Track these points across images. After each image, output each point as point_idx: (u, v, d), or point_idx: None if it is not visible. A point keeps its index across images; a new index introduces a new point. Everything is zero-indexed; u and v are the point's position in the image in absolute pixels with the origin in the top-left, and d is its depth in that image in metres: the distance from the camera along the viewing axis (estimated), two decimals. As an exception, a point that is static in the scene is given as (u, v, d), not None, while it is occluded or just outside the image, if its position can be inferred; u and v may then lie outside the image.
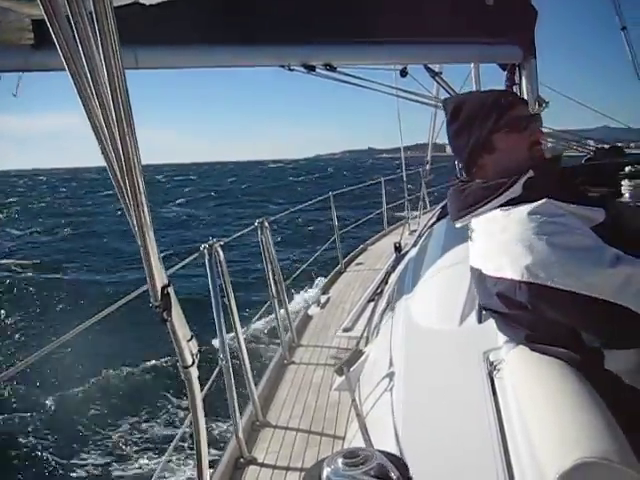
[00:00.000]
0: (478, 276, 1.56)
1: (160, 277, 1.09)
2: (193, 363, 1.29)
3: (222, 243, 3.15)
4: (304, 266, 6.90)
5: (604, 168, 2.85)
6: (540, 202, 1.38)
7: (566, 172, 1.74)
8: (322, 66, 3.47)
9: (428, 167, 8.55)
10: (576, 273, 1.28)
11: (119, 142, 0.85)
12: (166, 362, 8.79)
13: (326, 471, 0.72)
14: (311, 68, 3.43)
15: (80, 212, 39.98)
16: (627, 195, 2.16)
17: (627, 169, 2.23)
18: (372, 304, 4.43)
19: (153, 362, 8.89)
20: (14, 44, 2.61)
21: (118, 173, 0.88)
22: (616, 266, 1.27)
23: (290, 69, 3.41)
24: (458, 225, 1.67)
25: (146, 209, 0.95)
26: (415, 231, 7.49)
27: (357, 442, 1.85)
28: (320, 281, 7.99)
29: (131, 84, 0.86)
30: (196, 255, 3.17)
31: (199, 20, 3.10)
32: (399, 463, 0.74)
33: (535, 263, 1.31)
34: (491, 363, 1.62)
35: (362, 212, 11.14)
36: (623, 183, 2.21)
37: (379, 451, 0.75)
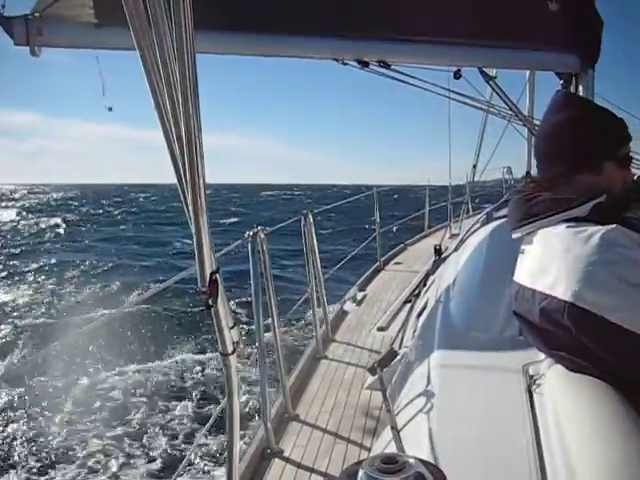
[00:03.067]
0: (524, 289, 1.53)
1: (210, 263, 1.08)
2: (233, 351, 1.28)
3: (267, 231, 3.15)
4: (344, 261, 6.88)
5: None
6: (610, 227, 1.34)
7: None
8: (376, 62, 3.45)
9: (475, 172, 8.43)
10: (634, 310, 1.25)
11: (182, 124, 0.84)
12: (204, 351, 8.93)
13: (363, 473, 0.71)
14: (365, 64, 3.41)
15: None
16: None
17: None
18: (409, 305, 4.38)
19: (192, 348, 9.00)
20: (75, 21, 2.60)
21: (178, 154, 0.88)
22: None
23: (344, 63, 3.39)
24: (516, 235, 1.63)
25: (203, 194, 0.94)
26: (456, 235, 7.40)
27: (389, 446, 1.80)
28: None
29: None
30: (239, 242, 3.17)
31: (259, 7, 3.09)
32: (438, 474, 0.73)
33: (592, 290, 1.28)
34: (530, 377, 1.58)
35: (405, 214, 11.07)
36: None
37: (418, 459, 0.73)
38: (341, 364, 4.23)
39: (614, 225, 1.35)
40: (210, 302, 1.15)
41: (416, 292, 4.50)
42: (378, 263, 7.51)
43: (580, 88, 4.27)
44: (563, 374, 1.43)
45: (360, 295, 5.81)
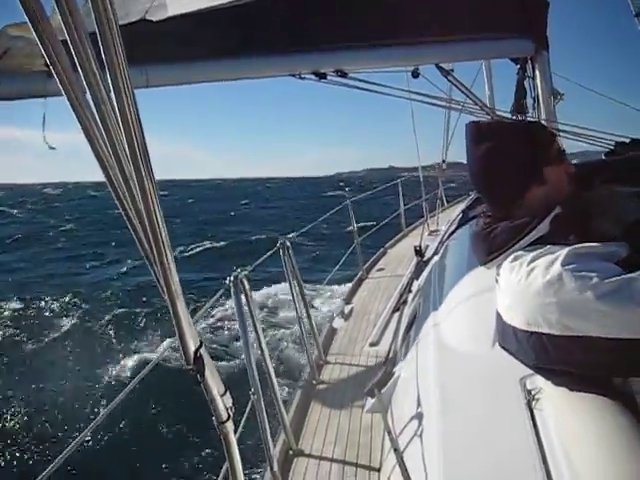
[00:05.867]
0: (508, 327, 1.53)
1: (193, 339, 1.03)
2: (229, 418, 1.22)
3: (247, 272, 3.06)
4: (328, 277, 6.83)
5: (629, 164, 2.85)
6: (564, 253, 1.35)
7: (586, 170, 1.77)
8: (333, 73, 3.39)
9: (444, 166, 8.45)
10: (613, 318, 1.26)
11: (137, 191, 0.73)
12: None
13: None
14: (322, 75, 3.36)
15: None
16: None
17: None
18: (397, 314, 4.33)
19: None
20: (28, 71, 2.61)
21: (140, 229, 0.78)
22: None
23: (301, 77, 3.34)
24: (488, 269, 1.63)
25: (173, 267, 0.85)
26: (435, 231, 7.39)
27: (395, 475, 1.83)
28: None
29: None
30: (222, 291, 3.11)
31: (207, 34, 3.05)
32: None
33: (569, 317, 1.30)
34: (529, 392, 1.52)
35: (380, 216, 11.04)
36: None
37: None
38: (338, 387, 4.12)
39: (566, 250, 1.36)
40: (199, 378, 1.11)
41: (402, 299, 4.46)
42: (361, 272, 7.44)
43: (537, 71, 4.28)
44: (561, 388, 1.41)
45: (348, 309, 5.73)
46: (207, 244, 25.59)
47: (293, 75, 3.31)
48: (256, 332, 3.12)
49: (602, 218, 1.58)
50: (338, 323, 5.34)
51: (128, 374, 8.90)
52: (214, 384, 1.15)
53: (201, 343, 1.06)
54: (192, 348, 1.03)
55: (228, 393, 1.19)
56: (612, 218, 1.59)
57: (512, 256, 1.50)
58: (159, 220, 0.77)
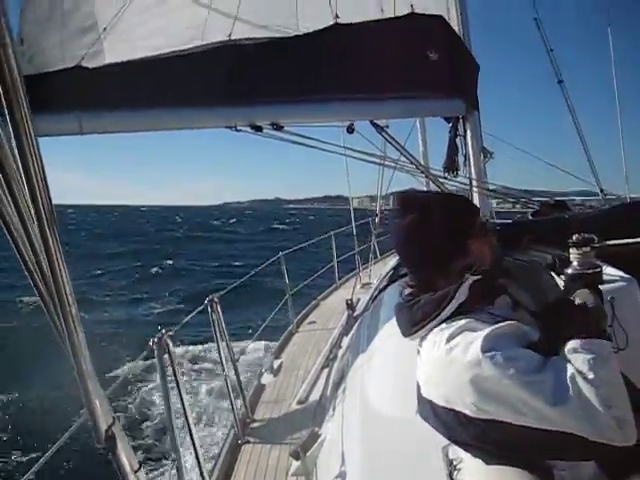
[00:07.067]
0: (426, 400, 1.54)
1: (105, 417, 0.94)
2: None
3: (172, 334, 2.92)
4: (258, 332, 6.68)
5: (551, 226, 3.11)
6: (482, 336, 1.36)
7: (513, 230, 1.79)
8: (269, 126, 3.38)
9: (378, 220, 8.57)
10: (527, 408, 1.29)
11: (45, 263, 0.64)
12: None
13: None
14: (258, 128, 3.34)
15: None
16: (575, 263, 2.25)
17: (574, 237, 2.28)
18: (327, 370, 4.27)
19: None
20: None
21: (52, 308, 0.69)
22: (557, 400, 1.26)
23: (237, 130, 3.30)
24: (412, 340, 1.63)
25: (83, 343, 0.76)
26: (367, 284, 7.40)
27: None
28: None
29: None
30: (145, 354, 2.97)
31: (144, 83, 3.01)
32: None
33: (486, 401, 1.33)
34: (450, 462, 1.54)
35: (313, 267, 10.93)
36: (571, 251, 2.26)
37: None
38: (264, 448, 3.98)
39: (482, 335, 1.37)
40: (110, 456, 1.02)
41: (331, 356, 4.41)
42: (292, 326, 7.35)
43: (468, 130, 4.41)
44: (481, 462, 1.41)
45: (277, 363, 5.61)
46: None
47: (229, 127, 3.29)
48: (180, 394, 2.98)
49: (521, 289, 1.63)
50: (267, 379, 5.23)
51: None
52: (127, 461, 1.07)
53: (114, 420, 0.99)
54: (103, 427, 0.95)
55: (142, 470, 1.10)
56: (530, 290, 1.64)
57: (433, 330, 1.51)
58: (70, 299, 0.69)
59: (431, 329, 1.52)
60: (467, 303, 1.50)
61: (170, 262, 33.17)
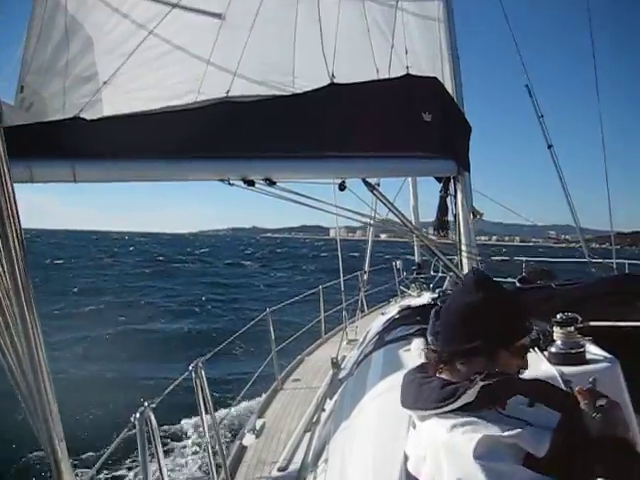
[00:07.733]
0: (413, 477, 1.57)
1: None
2: None
3: (154, 406, 2.78)
4: (241, 393, 6.53)
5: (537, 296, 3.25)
6: (474, 441, 1.39)
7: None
8: (262, 181, 3.39)
9: (366, 277, 8.56)
10: None
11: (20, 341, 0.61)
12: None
13: None
14: (250, 183, 3.34)
15: None
16: (559, 342, 2.32)
17: (559, 316, 2.36)
18: (309, 435, 4.17)
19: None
20: None
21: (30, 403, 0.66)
22: None
23: (230, 184, 3.31)
24: (415, 418, 1.66)
25: (58, 424, 0.72)
26: (353, 341, 7.31)
27: None
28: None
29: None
30: (126, 431, 2.82)
31: (139, 136, 3.02)
32: None
33: None
34: None
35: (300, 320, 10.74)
36: (555, 330, 2.36)
37: None
38: None
39: (478, 439, 1.39)
40: None
41: (315, 419, 4.31)
42: (276, 382, 7.20)
43: (458, 190, 4.45)
44: None
45: (260, 424, 5.46)
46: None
47: (222, 180, 3.29)
48: (160, 470, 2.83)
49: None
50: (248, 440, 5.08)
51: None
52: None
53: None
54: None
55: None
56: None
57: (437, 417, 1.53)
58: (47, 389, 0.66)
59: (434, 416, 1.54)
60: (473, 404, 1.50)
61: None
